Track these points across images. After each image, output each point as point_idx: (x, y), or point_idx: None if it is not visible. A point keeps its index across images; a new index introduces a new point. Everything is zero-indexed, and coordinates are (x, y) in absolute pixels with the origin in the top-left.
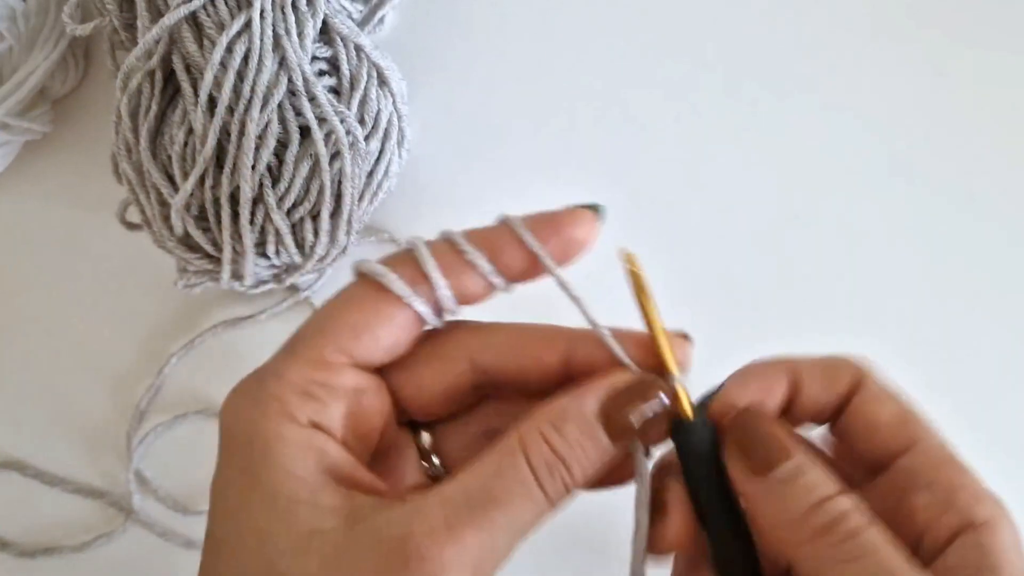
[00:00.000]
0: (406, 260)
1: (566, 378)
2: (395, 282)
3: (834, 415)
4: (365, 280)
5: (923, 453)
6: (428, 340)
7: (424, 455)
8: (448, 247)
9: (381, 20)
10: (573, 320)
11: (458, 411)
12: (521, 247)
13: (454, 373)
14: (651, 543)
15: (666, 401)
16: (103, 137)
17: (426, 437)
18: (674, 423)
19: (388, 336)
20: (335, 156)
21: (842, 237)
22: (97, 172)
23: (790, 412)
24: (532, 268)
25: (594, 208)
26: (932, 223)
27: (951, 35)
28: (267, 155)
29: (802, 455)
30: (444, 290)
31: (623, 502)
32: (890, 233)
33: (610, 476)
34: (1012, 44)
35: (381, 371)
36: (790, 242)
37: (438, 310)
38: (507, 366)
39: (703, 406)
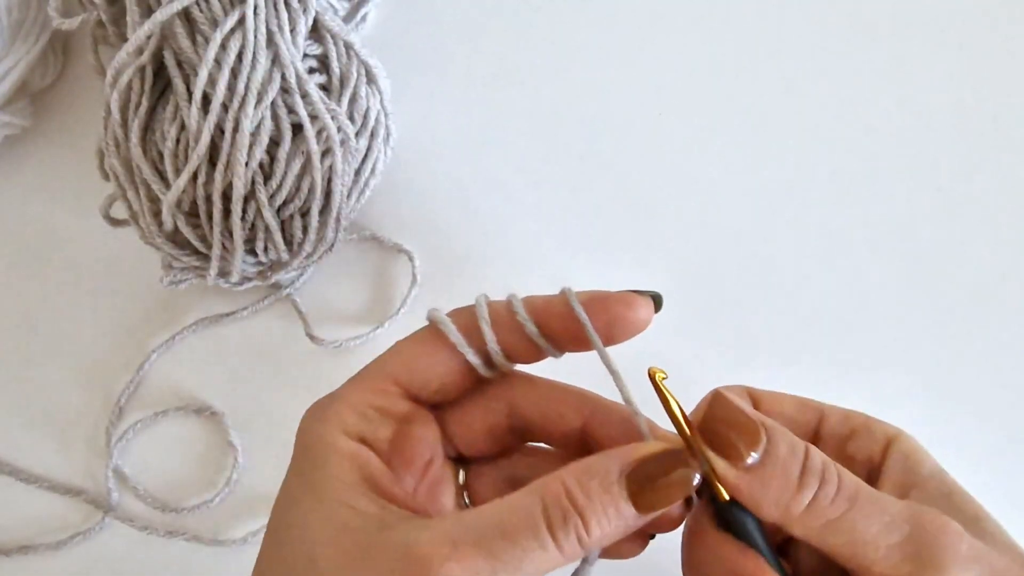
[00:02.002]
0: (468, 314)
1: (583, 440)
2: (451, 331)
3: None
4: (430, 326)
5: (832, 418)
6: (479, 386)
7: (461, 489)
8: (506, 308)
9: (364, 17)
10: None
11: (498, 452)
12: (573, 319)
13: (494, 413)
14: None
15: (694, 476)
16: (83, 131)
17: (461, 474)
18: (721, 507)
19: (439, 375)
20: (326, 153)
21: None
22: (77, 166)
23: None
24: (579, 340)
25: (653, 297)
26: (941, 230)
27: (941, 35)
28: (260, 152)
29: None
30: (493, 344)
31: None
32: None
33: (621, 548)
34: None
35: (437, 409)
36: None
37: (489, 362)
38: (537, 417)
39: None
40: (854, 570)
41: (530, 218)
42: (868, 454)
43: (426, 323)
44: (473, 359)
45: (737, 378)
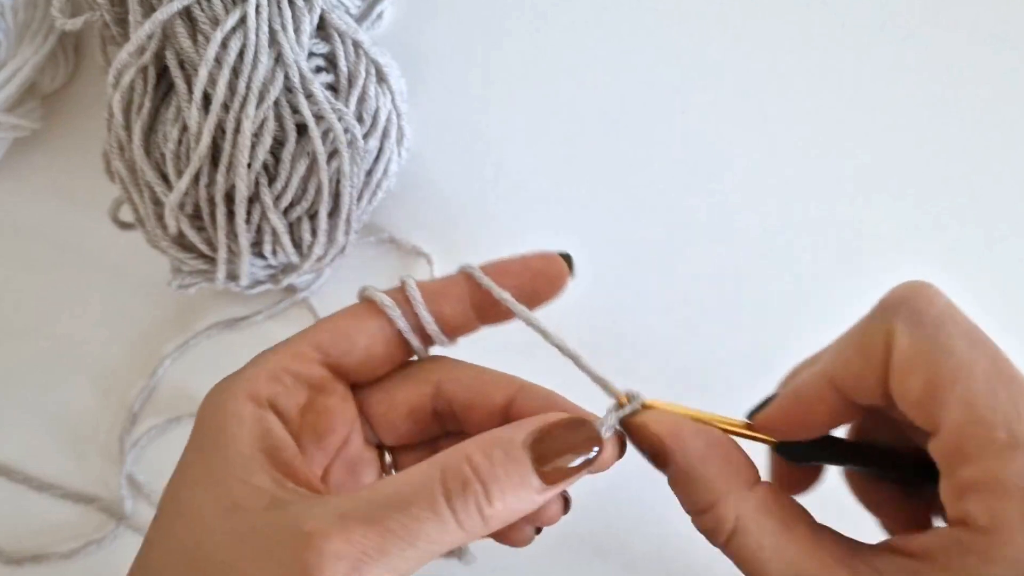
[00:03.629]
0: (398, 292)
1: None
2: (378, 295)
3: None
4: (362, 302)
5: (945, 440)
6: (404, 367)
7: (384, 471)
8: (440, 285)
9: (379, 15)
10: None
11: (419, 439)
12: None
13: (419, 393)
14: None
15: (598, 436)
16: (94, 134)
17: (388, 457)
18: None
19: (364, 345)
20: (333, 154)
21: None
22: (88, 169)
23: (856, 407)
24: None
25: (564, 256)
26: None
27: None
28: (263, 153)
29: (680, 461)
30: (423, 311)
31: (622, 502)
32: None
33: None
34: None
35: (357, 389)
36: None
37: (423, 335)
38: (463, 396)
39: (750, 417)
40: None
41: (550, 219)
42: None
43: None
44: (401, 323)
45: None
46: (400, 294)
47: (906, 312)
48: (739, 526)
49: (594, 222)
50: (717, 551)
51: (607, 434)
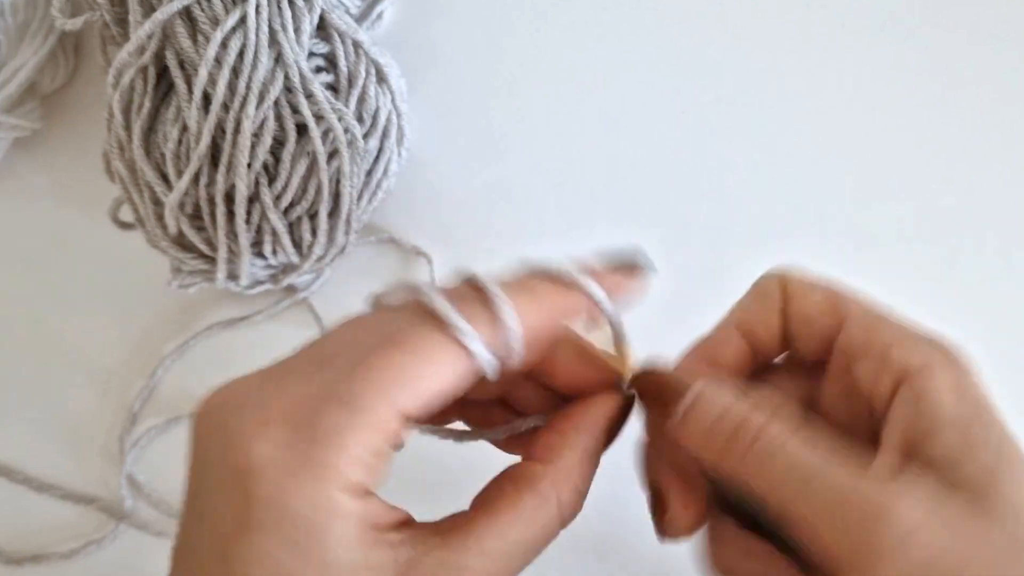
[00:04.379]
0: (467, 295)
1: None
2: (465, 331)
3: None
4: (424, 315)
5: (853, 326)
6: None
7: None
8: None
9: (379, 16)
10: None
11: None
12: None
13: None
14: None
15: None
16: (94, 134)
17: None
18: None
19: (437, 389)
20: (333, 154)
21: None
22: (88, 169)
23: (757, 358)
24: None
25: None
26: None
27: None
28: (263, 153)
29: (702, 384)
30: (515, 330)
31: (620, 502)
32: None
33: None
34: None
35: None
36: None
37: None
38: None
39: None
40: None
41: (551, 220)
42: (873, 389)
43: (406, 304)
44: (488, 363)
45: None
46: (473, 303)
47: (791, 269)
48: (772, 418)
49: (594, 222)
50: None
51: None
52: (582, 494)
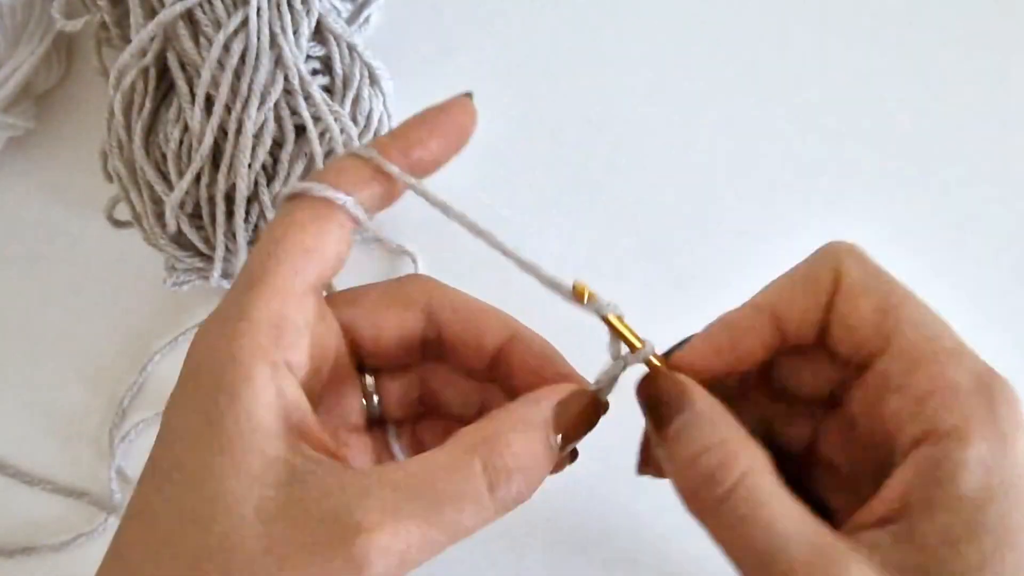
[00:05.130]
0: (324, 174)
1: (493, 364)
2: (329, 191)
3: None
4: (299, 200)
5: (897, 355)
6: (390, 285)
7: (366, 396)
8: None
9: (367, 19)
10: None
11: (404, 363)
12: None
13: (411, 319)
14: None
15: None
16: (86, 133)
17: (370, 380)
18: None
19: (335, 251)
20: (329, 155)
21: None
22: (81, 168)
23: (784, 344)
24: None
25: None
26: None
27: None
28: (263, 153)
29: (700, 407)
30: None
31: (600, 499)
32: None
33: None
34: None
35: (337, 308)
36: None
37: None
38: (455, 331)
39: (667, 355)
40: None
41: (534, 219)
42: (897, 432)
43: (283, 204)
44: (359, 212)
45: None
46: (331, 176)
47: (851, 254)
48: (750, 473)
49: (579, 222)
50: (693, 547)
51: (609, 390)
52: (521, 461)
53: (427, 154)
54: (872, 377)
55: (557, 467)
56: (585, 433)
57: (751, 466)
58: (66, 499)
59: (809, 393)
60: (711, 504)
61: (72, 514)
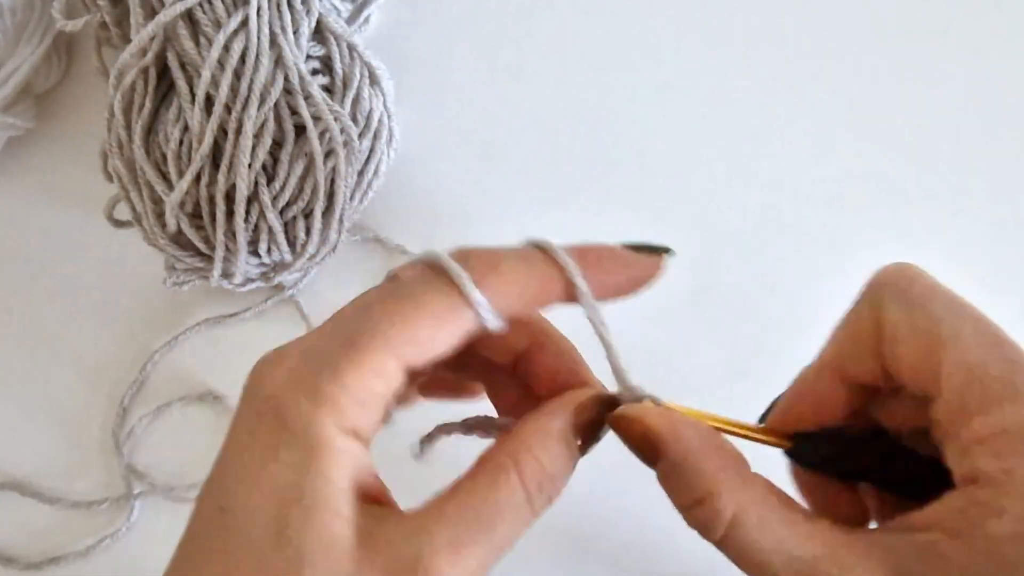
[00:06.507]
0: (473, 259)
1: (516, 362)
2: (464, 278)
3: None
4: (428, 272)
5: (945, 403)
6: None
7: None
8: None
9: (366, 19)
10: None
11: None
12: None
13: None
14: None
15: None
16: (86, 132)
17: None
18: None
19: (442, 346)
20: (329, 155)
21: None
22: (81, 168)
23: (865, 395)
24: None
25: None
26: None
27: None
28: (263, 153)
29: (674, 456)
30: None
31: (604, 496)
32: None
33: None
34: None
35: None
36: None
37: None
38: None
39: (762, 420)
40: None
41: (533, 219)
42: (954, 469)
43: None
44: (491, 321)
45: None
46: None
47: (891, 291)
48: (737, 518)
49: (579, 223)
50: (698, 545)
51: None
52: (548, 470)
53: (610, 279)
54: (933, 423)
55: None
56: (603, 435)
57: (739, 506)
58: (85, 504)
59: (908, 424)
60: (714, 542)
61: (93, 518)
